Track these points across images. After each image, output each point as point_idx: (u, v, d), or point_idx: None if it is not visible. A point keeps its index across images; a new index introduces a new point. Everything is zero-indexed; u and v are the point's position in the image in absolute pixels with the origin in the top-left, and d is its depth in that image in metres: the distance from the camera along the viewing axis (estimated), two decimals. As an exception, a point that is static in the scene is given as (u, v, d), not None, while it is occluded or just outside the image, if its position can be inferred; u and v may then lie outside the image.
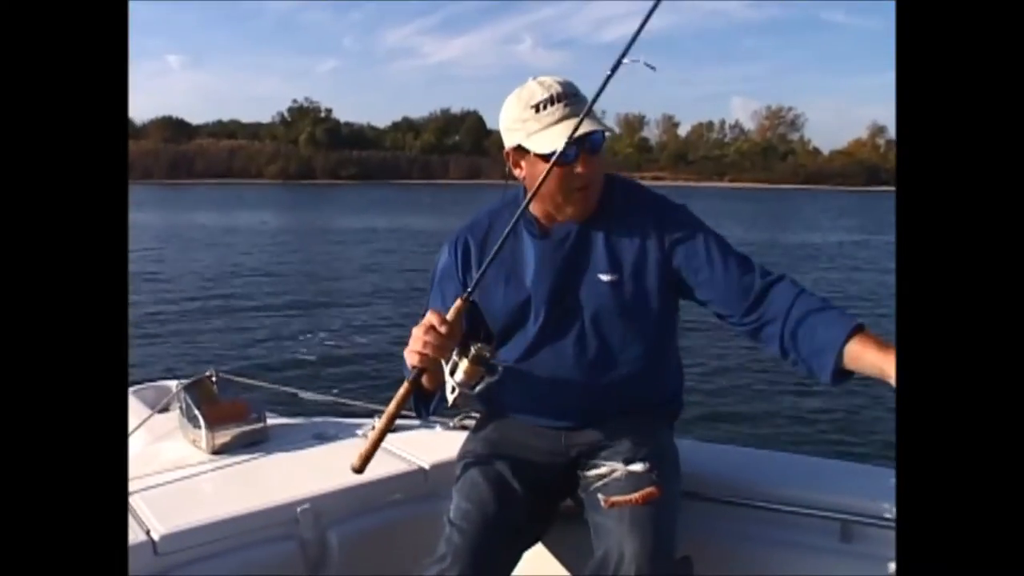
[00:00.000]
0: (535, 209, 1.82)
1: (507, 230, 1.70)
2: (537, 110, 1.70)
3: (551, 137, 1.67)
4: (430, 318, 1.65)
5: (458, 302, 1.68)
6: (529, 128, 1.71)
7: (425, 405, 1.82)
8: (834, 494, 1.89)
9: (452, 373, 1.66)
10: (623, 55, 1.60)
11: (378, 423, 1.71)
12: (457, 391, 1.67)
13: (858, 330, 1.60)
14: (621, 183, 1.89)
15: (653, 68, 1.62)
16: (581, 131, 1.65)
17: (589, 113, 1.68)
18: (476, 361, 1.65)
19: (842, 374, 1.61)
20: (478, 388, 1.68)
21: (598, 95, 1.66)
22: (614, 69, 1.62)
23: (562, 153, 1.66)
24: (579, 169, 1.70)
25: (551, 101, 1.69)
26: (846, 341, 1.59)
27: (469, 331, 1.79)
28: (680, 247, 1.78)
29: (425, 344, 1.63)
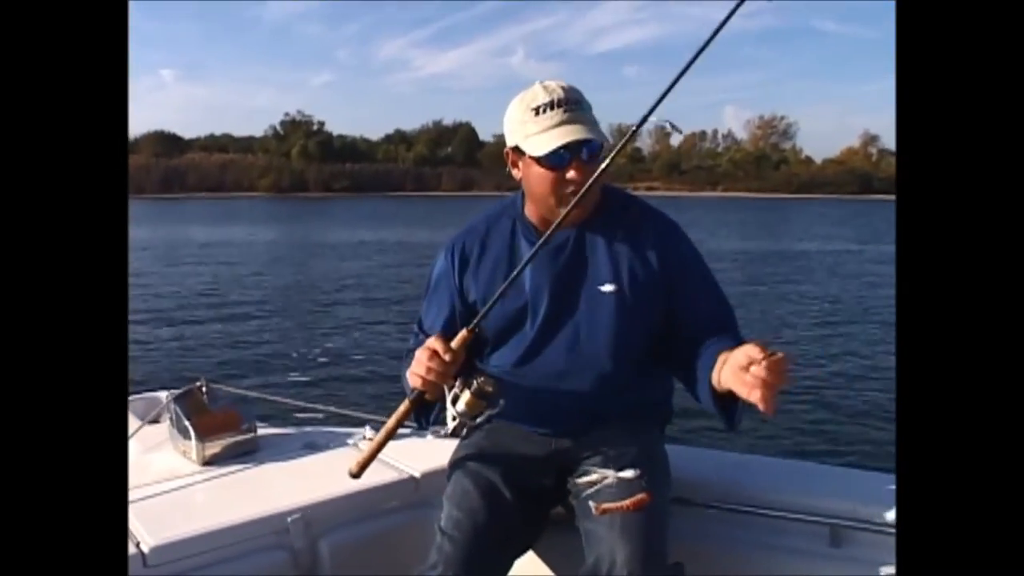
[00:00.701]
0: (532, 215, 1.84)
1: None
2: (536, 113, 1.71)
3: (545, 140, 1.69)
4: (434, 344, 1.66)
5: (463, 332, 1.69)
6: (527, 130, 1.72)
7: (426, 417, 1.83)
8: (824, 499, 1.89)
9: (454, 403, 1.68)
10: (650, 112, 1.60)
11: (371, 434, 1.70)
12: (458, 420, 1.69)
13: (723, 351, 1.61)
14: (619, 195, 1.91)
15: (679, 131, 1.65)
16: (577, 137, 1.67)
17: (587, 122, 1.71)
18: (478, 395, 1.67)
19: (721, 398, 1.61)
20: (479, 420, 1.70)
21: (621, 147, 1.72)
22: (639, 125, 1.64)
23: (556, 157, 1.69)
24: (571, 174, 1.71)
25: (551, 106, 1.70)
26: (712, 365, 1.61)
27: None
28: (679, 278, 1.80)
29: (428, 370, 1.64)
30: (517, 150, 1.77)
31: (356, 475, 1.77)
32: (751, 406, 1.48)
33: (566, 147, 1.68)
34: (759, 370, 1.42)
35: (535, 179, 1.75)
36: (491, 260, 1.85)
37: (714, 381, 1.59)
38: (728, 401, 1.60)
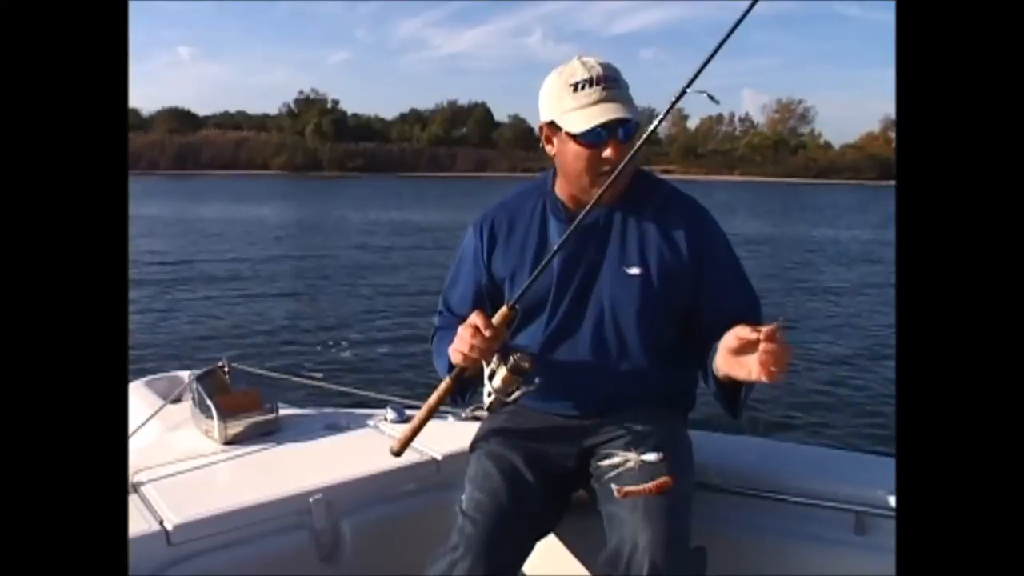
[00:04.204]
0: (562, 192, 1.84)
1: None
2: (575, 89, 1.71)
3: (583, 118, 1.69)
4: (477, 320, 1.67)
5: (504, 309, 1.71)
6: (564, 106, 1.72)
7: (462, 395, 1.85)
8: (849, 485, 1.88)
9: (491, 379, 1.70)
10: (689, 84, 1.58)
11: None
12: (494, 396, 1.71)
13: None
14: (651, 179, 1.90)
15: (717, 101, 1.61)
16: (616, 116, 1.67)
17: (625, 100, 1.70)
18: (514, 371, 1.68)
19: (723, 386, 1.64)
20: (513, 396, 1.71)
21: (660, 120, 1.68)
22: (678, 98, 1.61)
23: (593, 135, 1.69)
24: (607, 153, 1.70)
25: (590, 82, 1.70)
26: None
27: (493, 312, 1.79)
28: (707, 268, 1.79)
29: (472, 347, 1.66)
30: (552, 125, 1.77)
31: (398, 453, 1.83)
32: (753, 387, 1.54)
33: (604, 126, 1.68)
34: (765, 346, 1.44)
35: (571, 156, 1.75)
36: (520, 237, 1.86)
37: (715, 368, 1.62)
38: (730, 389, 1.62)
